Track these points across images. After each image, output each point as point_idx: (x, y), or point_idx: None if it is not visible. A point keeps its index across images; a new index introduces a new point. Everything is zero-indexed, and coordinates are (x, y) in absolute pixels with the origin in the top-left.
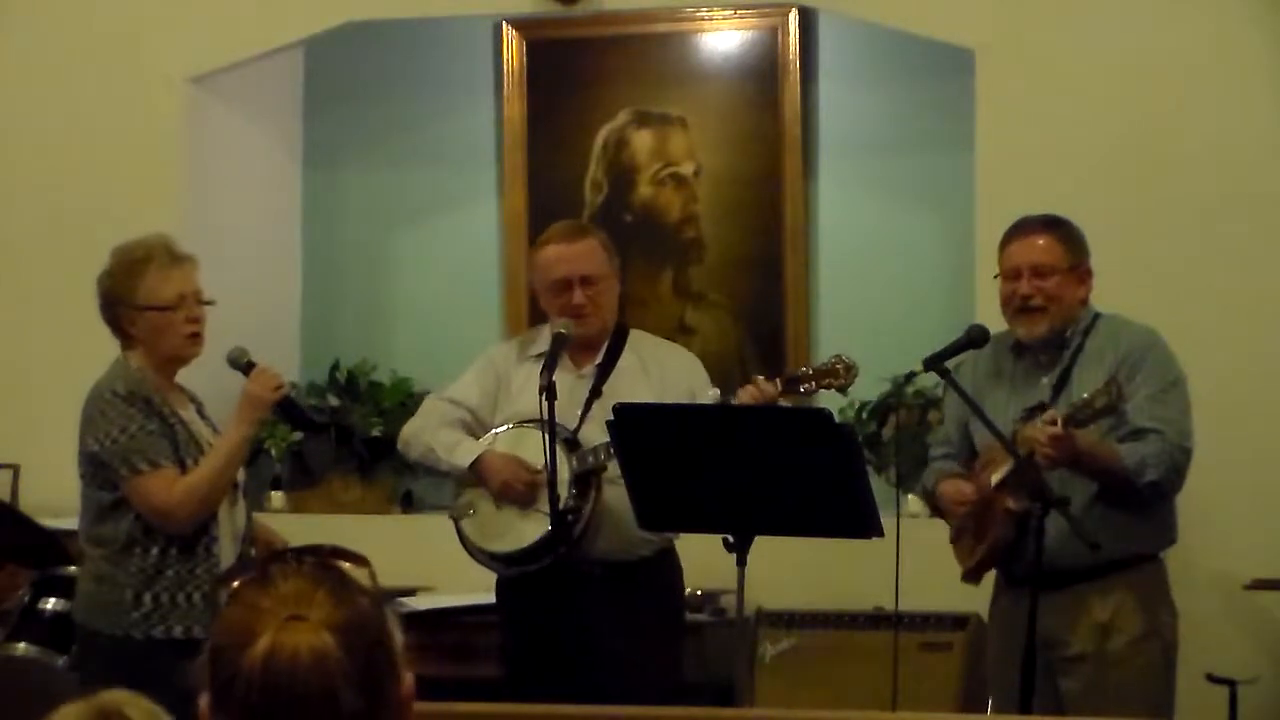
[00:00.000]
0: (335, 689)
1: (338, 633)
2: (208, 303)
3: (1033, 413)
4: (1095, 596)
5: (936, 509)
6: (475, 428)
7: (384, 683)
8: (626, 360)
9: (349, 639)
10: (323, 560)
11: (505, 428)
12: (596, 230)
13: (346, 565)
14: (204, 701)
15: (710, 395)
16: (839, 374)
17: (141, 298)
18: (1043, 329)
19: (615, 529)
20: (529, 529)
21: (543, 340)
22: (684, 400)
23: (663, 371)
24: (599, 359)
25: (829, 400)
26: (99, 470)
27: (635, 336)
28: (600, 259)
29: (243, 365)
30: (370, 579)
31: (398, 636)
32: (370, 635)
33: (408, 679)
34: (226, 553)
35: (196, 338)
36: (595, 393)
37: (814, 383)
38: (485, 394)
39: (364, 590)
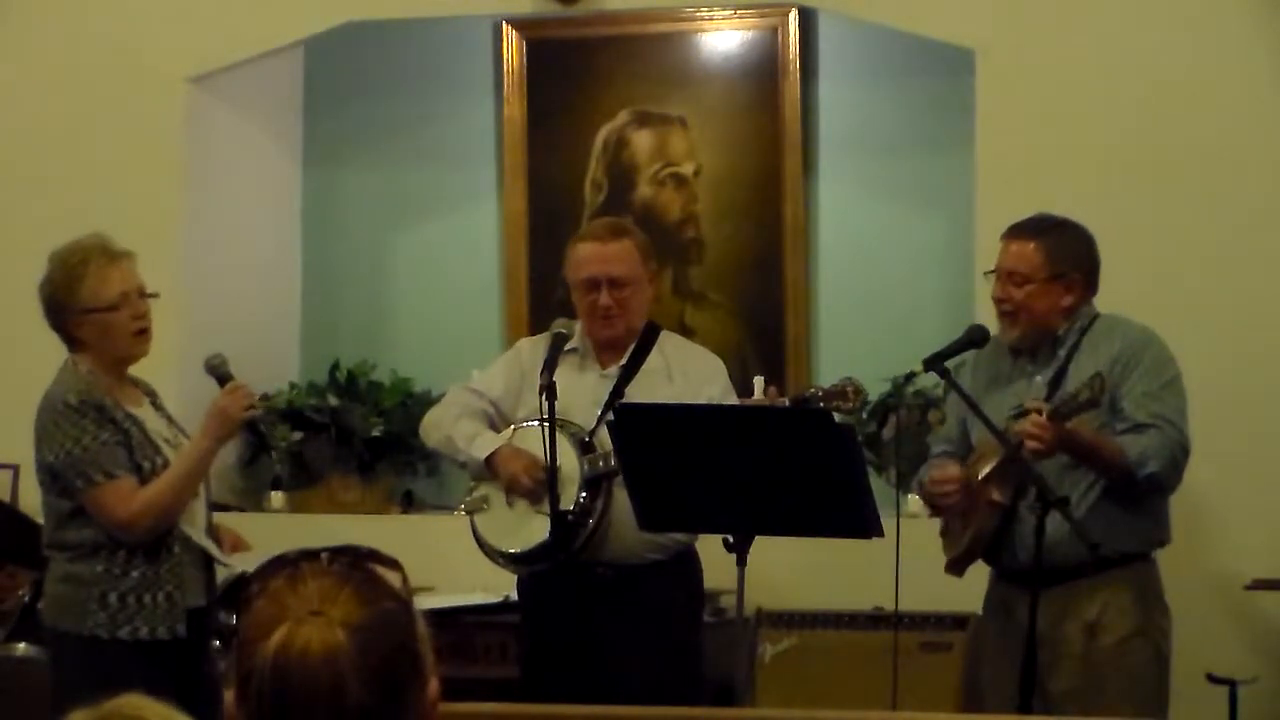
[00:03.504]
0: (344, 686)
1: (355, 631)
2: (151, 295)
3: (1024, 410)
4: (1084, 595)
5: (929, 503)
6: (497, 420)
7: (403, 685)
8: (653, 362)
9: (366, 638)
10: (354, 561)
11: (525, 424)
12: (635, 231)
13: (379, 568)
14: (230, 696)
15: (706, 399)
16: (848, 396)
17: (83, 300)
18: (1014, 335)
19: (627, 533)
20: (536, 529)
21: (575, 337)
22: None
23: (686, 376)
24: (624, 360)
25: None
26: (56, 481)
27: (664, 338)
28: (632, 262)
29: (220, 375)
30: (402, 583)
31: (426, 641)
32: (392, 637)
33: (433, 684)
34: (190, 552)
35: (144, 334)
36: (616, 394)
37: (821, 404)
38: (509, 387)
39: (393, 593)
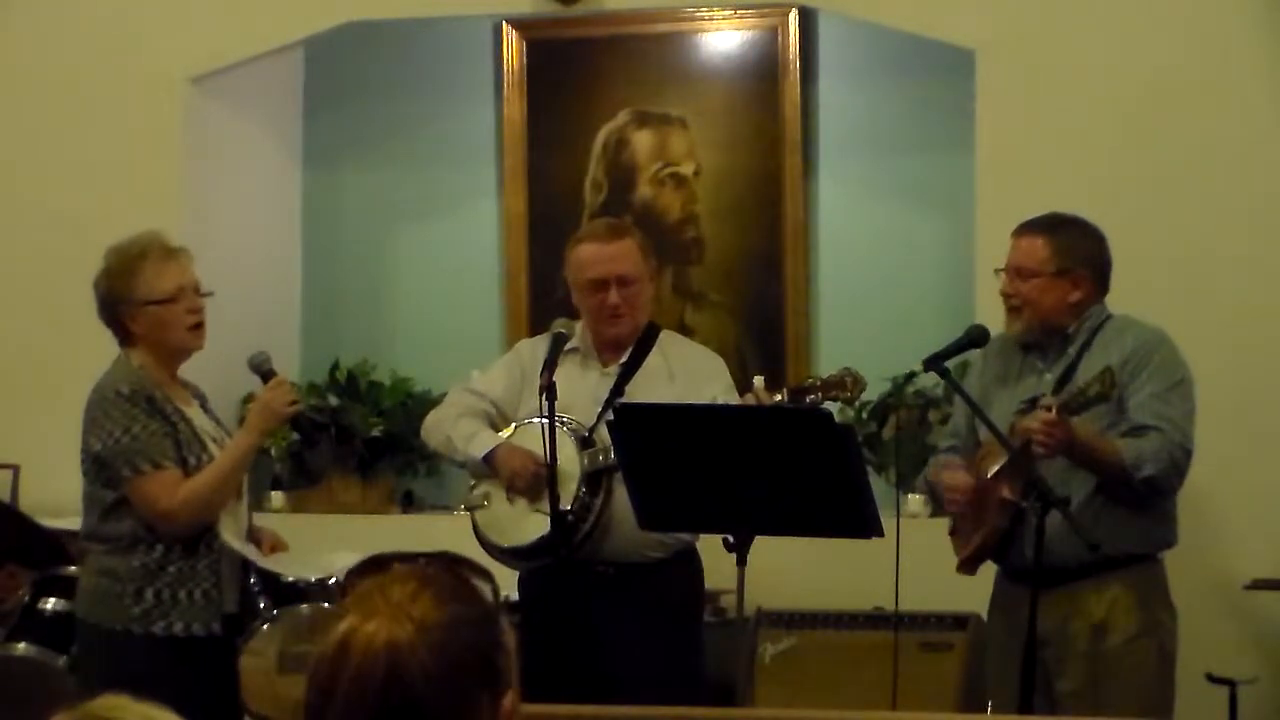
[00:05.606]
0: (402, 679)
1: (425, 630)
2: (206, 294)
3: (1031, 405)
4: (1091, 595)
5: (935, 498)
6: (498, 420)
7: (471, 691)
8: (653, 361)
9: (437, 639)
10: (446, 565)
11: (525, 422)
12: (634, 230)
13: (470, 576)
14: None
15: (710, 397)
16: (846, 386)
17: (141, 293)
18: (1018, 328)
19: (627, 530)
20: (536, 525)
21: (576, 336)
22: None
23: (687, 375)
24: (625, 358)
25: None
26: (102, 470)
27: (665, 337)
28: (636, 260)
29: (263, 372)
30: (492, 594)
31: (508, 652)
32: (465, 642)
33: (509, 697)
34: (228, 557)
35: (199, 329)
36: (617, 392)
37: (820, 394)
38: (510, 387)
39: (476, 600)
